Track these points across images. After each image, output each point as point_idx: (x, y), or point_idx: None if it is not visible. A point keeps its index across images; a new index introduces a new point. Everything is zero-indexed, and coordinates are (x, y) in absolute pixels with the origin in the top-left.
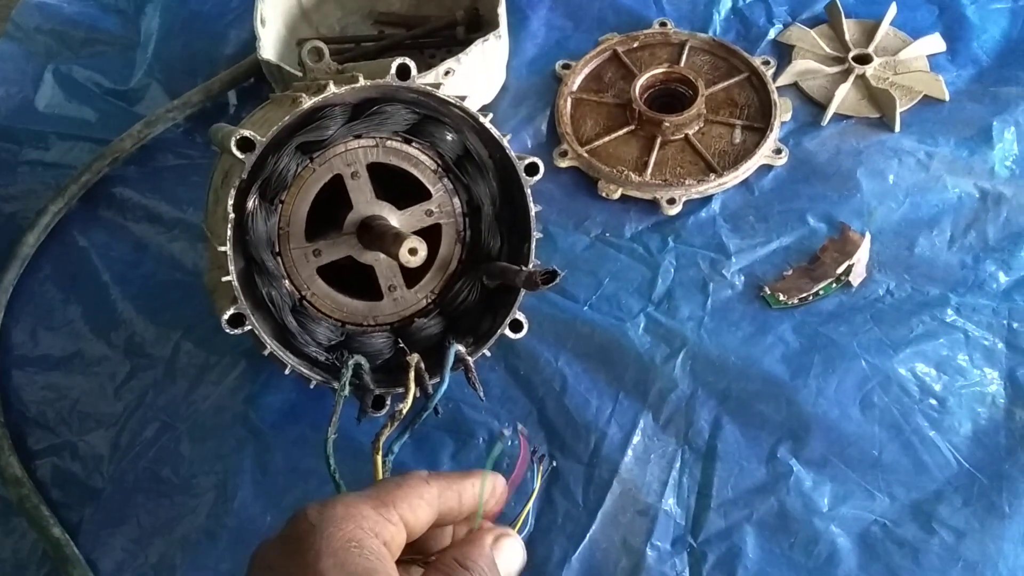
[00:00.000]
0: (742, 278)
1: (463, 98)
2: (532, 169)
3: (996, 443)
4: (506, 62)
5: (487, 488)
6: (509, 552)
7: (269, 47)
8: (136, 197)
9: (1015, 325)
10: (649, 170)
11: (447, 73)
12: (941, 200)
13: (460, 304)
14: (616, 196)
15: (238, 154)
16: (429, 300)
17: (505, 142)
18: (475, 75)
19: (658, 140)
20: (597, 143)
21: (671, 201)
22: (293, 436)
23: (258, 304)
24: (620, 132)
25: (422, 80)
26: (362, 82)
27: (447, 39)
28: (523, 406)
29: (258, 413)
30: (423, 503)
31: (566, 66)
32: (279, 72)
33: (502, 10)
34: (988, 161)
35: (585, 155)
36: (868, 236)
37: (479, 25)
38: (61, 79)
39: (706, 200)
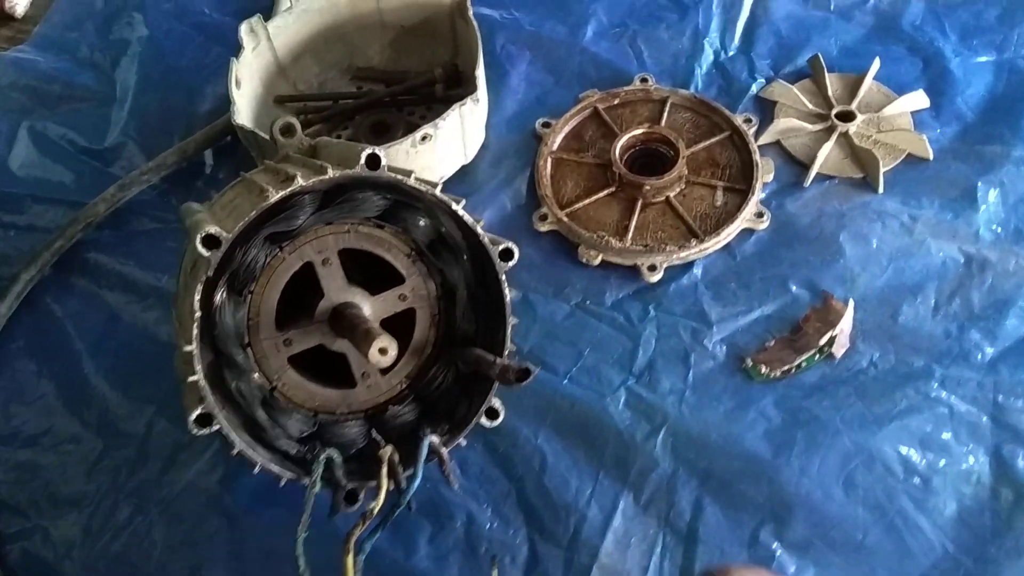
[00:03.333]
0: (724, 348)
1: (435, 185)
2: (507, 255)
3: (981, 524)
4: (485, 121)
5: None
6: None
7: (244, 109)
8: (110, 263)
9: (1000, 399)
10: (630, 235)
11: (424, 139)
12: (925, 265)
13: (435, 389)
14: (597, 262)
15: (203, 251)
16: (404, 386)
17: (479, 228)
18: (453, 139)
19: (639, 202)
20: (578, 205)
21: (652, 268)
22: (268, 519)
23: (227, 398)
24: (601, 194)
25: (398, 146)
26: (330, 173)
27: (426, 96)
28: (502, 486)
29: (233, 495)
30: None
31: (546, 124)
32: (254, 138)
33: (480, 72)
34: (973, 224)
35: (565, 219)
36: (852, 304)
37: (459, 81)
38: (36, 137)
39: (687, 266)
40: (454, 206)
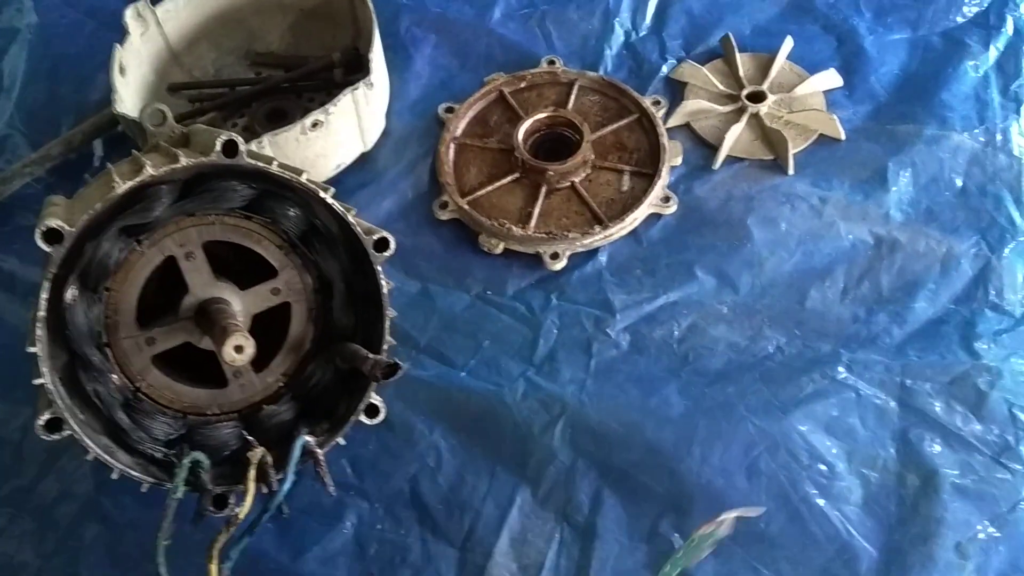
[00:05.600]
0: (628, 337)
1: (300, 172)
2: (382, 245)
3: (887, 511)
4: (386, 107)
5: None
6: None
7: (131, 98)
8: None
9: (908, 382)
10: (533, 222)
11: (315, 125)
12: (834, 248)
13: (314, 386)
14: (499, 251)
15: (44, 247)
16: (280, 384)
17: (351, 217)
18: (348, 125)
19: (543, 189)
20: (480, 192)
21: (555, 256)
22: (149, 523)
23: (87, 401)
24: (504, 180)
25: (286, 133)
26: (183, 162)
27: (325, 82)
28: (395, 482)
29: (112, 499)
30: None
31: (449, 109)
32: (137, 127)
33: (376, 55)
34: (883, 205)
35: (466, 207)
36: None
37: (360, 65)
38: None
39: (592, 253)
40: (322, 194)
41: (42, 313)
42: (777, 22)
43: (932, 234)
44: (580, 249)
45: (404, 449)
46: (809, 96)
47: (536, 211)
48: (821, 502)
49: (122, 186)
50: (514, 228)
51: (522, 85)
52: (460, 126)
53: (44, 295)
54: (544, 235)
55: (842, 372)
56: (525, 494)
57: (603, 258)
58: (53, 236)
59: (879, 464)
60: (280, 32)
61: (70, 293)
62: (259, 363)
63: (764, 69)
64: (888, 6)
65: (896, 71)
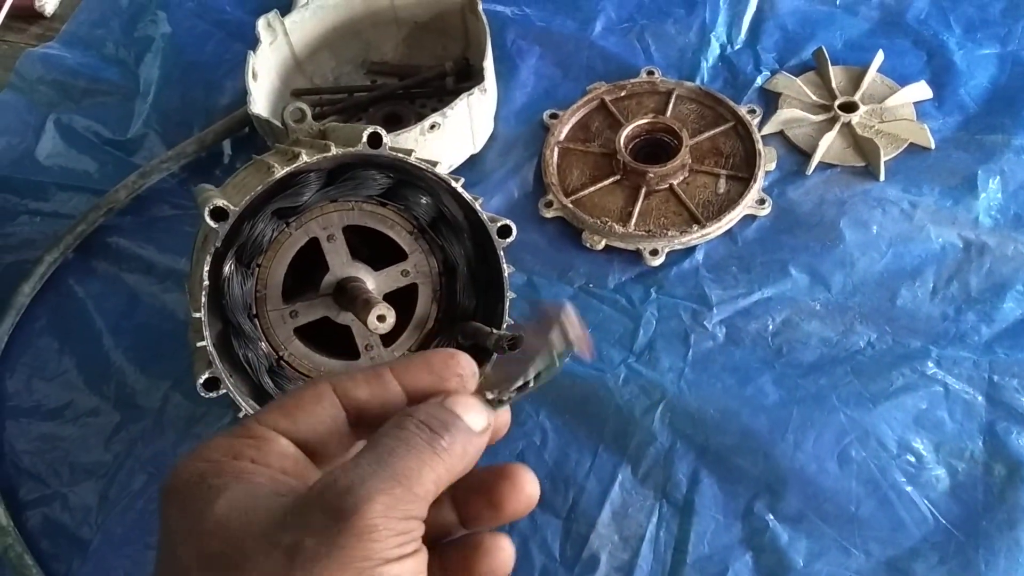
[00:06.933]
0: (724, 329)
1: (435, 164)
2: (505, 231)
3: (974, 499)
4: (494, 113)
5: (443, 362)
6: (464, 406)
7: (260, 101)
8: (131, 247)
9: (995, 378)
10: (633, 221)
11: (432, 127)
12: (924, 250)
13: None
14: (600, 247)
15: (211, 223)
16: None
17: (477, 206)
18: (461, 128)
19: (643, 190)
20: (582, 193)
21: (654, 252)
22: None
23: (235, 365)
24: (605, 182)
25: (407, 134)
26: (334, 151)
27: (437, 89)
28: (502, 457)
29: None
30: (311, 396)
31: (553, 115)
32: (269, 126)
33: (488, 63)
34: (972, 211)
35: (570, 205)
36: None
37: (469, 75)
38: (62, 129)
39: (689, 251)
40: (453, 183)
41: (206, 283)
42: (868, 37)
43: (1020, 239)
44: (678, 247)
45: (511, 427)
46: (900, 107)
47: (636, 211)
48: (909, 489)
49: (280, 171)
50: (615, 226)
51: (622, 94)
52: (564, 131)
53: (206, 267)
54: (644, 233)
55: (931, 367)
56: (626, 472)
57: (700, 256)
58: (219, 214)
59: (966, 455)
60: (394, 43)
61: (228, 267)
62: (387, 339)
63: (856, 81)
64: (978, 22)
65: (985, 84)
